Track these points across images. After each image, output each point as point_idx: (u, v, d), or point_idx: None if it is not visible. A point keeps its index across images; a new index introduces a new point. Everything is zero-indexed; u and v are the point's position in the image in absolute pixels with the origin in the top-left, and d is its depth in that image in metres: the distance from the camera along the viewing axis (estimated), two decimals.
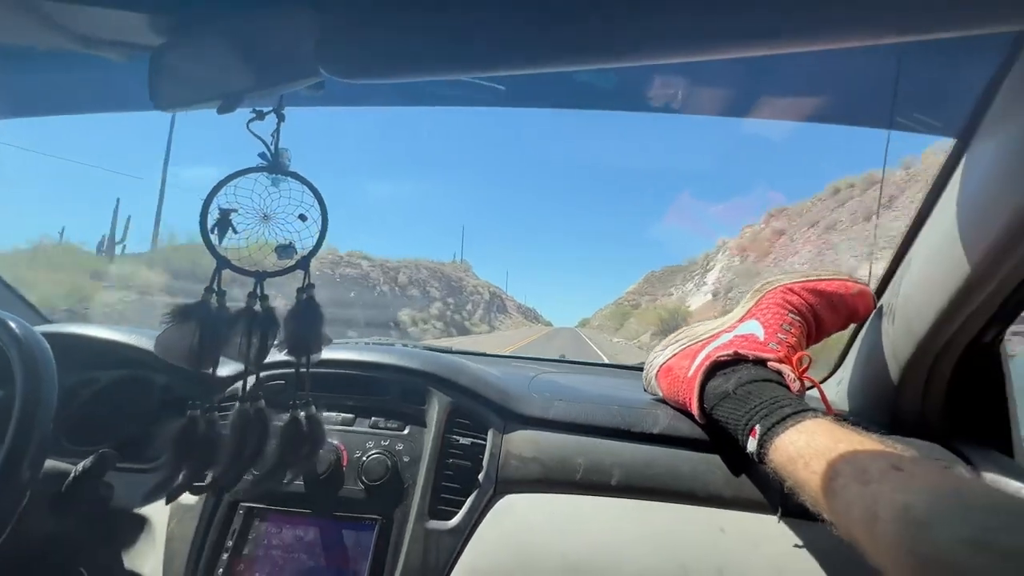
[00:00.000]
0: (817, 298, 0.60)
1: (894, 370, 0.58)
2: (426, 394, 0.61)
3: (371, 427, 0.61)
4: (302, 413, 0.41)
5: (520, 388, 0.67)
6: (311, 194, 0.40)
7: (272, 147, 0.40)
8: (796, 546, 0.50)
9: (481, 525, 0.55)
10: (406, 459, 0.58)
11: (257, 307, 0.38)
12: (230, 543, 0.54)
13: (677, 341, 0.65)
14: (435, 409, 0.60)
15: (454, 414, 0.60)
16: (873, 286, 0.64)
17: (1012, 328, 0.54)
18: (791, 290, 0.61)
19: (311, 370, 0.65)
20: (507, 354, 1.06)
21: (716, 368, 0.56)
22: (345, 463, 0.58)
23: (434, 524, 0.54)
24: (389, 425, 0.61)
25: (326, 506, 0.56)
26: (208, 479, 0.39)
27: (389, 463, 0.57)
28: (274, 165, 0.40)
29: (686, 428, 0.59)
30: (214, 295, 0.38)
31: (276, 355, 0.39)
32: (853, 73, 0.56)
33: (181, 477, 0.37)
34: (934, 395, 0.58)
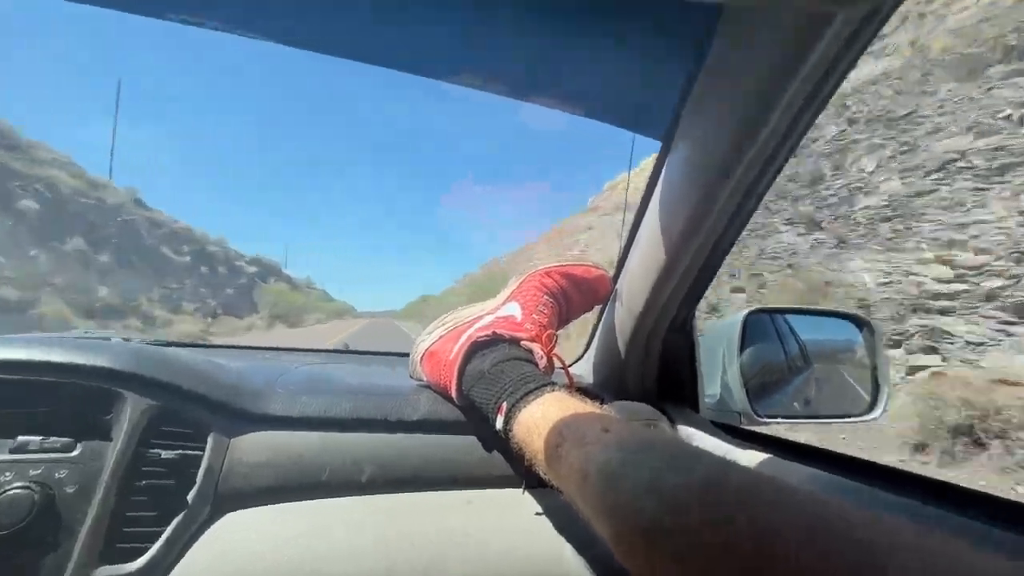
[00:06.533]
0: (567, 281, 0.66)
1: (622, 346, 0.68)
2: (114, 399, 0.46)
3: (12, 452, 0.43)
4: None
5: (262, 383, 0.56)
6: None
7: None
8: (537, 514, 0.54)
9: (187, 555, 0.43)
10: (70, 489, 0.43)
11: None
12: None
13: (443, 324, 0.64)
14: (126, 417, 0.46)
15: (157, 421, 0.46)
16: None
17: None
18: (548, 274, 0.66)
19: None
20: (266, 346, 0.91)
21: (476, 349, 0.56)
22: None
23: (108, 570, 0.41)
24: (46, 446, 0.44)
25: None
26: None
27: (36, 498, 0.40)
28: None
29: (446, 412, 0.57)
30: None
31: None
32: (603, 73, 0.60)
33: None
34: (649, 366, 0.69)
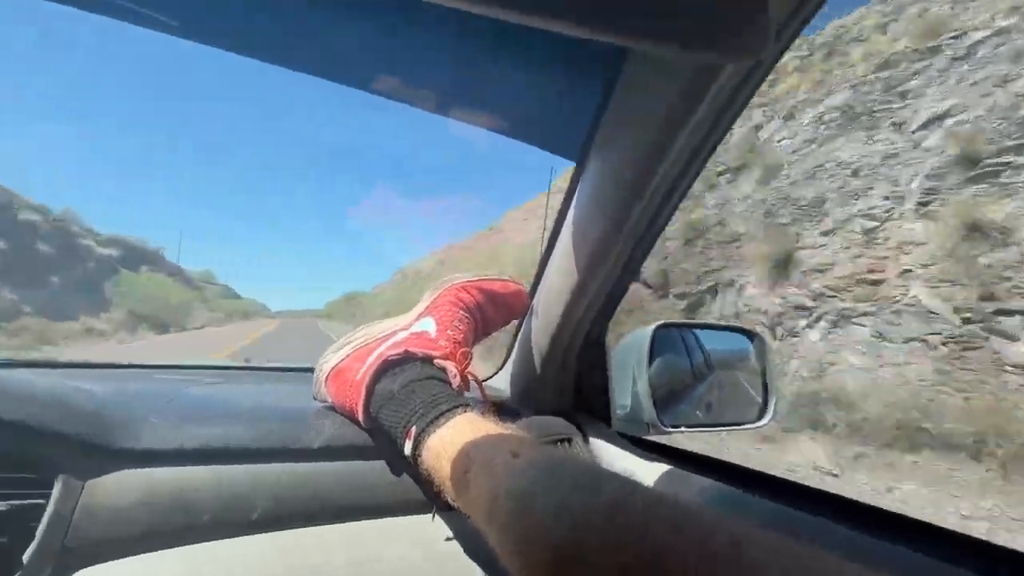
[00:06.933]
0: (484, 296, 0.65)
1: (538, 361, 0.68)
2: None
3: None
4: None
5: (134, 411, 0.49)
6: None
7: None
8: (448, 539, 0.52)
9: None
10: None
11: None
12: None
13: (351, 342, 0.60)
14: None
15: None
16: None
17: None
18: (464, 288, 0.64)
19: None
20: (151, 364, 0.80)
21: (386, 368, 0.53)
22: None
23: None
24: None
25: None
26: None
27: None
28: None
29: (352, 436, 0.54)
30: None
31: None
32: (520, 96, 0.61)
33: None
34: (565, 381, 0.70)
